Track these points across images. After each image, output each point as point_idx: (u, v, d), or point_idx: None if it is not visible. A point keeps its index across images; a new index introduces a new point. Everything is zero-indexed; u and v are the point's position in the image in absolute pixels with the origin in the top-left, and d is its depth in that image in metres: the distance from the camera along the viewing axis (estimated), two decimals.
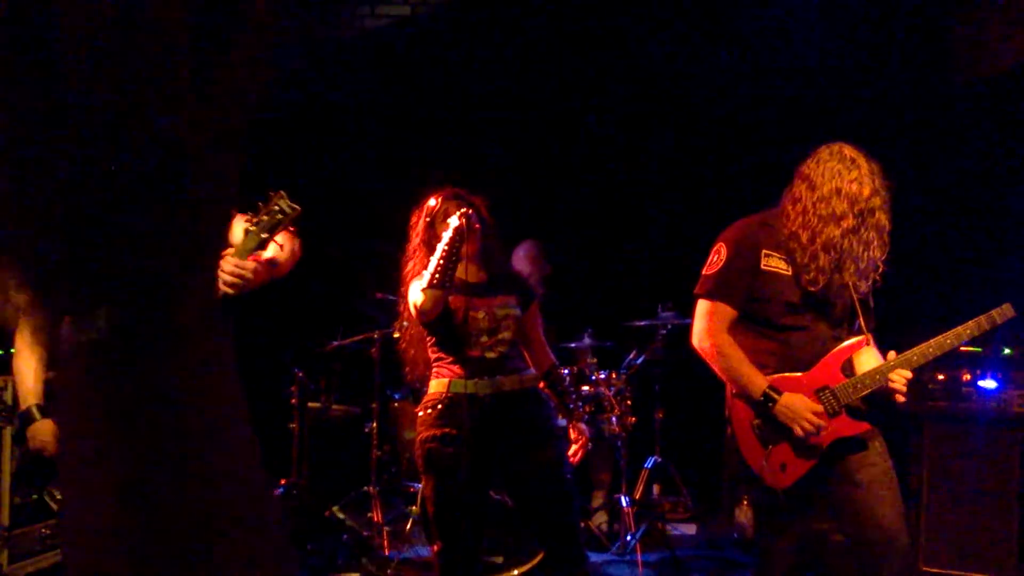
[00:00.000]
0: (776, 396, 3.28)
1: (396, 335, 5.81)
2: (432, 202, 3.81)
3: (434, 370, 3.81)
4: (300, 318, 6.32)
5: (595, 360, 5.86)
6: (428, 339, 3.82)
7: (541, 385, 3.89)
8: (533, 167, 6.94)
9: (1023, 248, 5.77)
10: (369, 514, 5.64)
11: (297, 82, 6.58)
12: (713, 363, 3.43)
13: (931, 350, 3.31)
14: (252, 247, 3.14)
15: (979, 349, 5.13)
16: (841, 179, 3.29)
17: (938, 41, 6.36)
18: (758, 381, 3.32)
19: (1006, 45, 6.02)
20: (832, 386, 3.31)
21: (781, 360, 3.36)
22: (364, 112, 6.82)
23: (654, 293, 6.06)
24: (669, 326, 5.92)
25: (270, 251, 3.35)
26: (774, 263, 3.36)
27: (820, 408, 3.28)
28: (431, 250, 3.67)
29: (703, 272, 3.49)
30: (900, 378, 3.30)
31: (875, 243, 3.31)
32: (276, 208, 3.16)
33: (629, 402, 5.63)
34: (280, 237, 3.25)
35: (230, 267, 3.10)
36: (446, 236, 3.52)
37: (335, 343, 5.95)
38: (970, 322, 3.32)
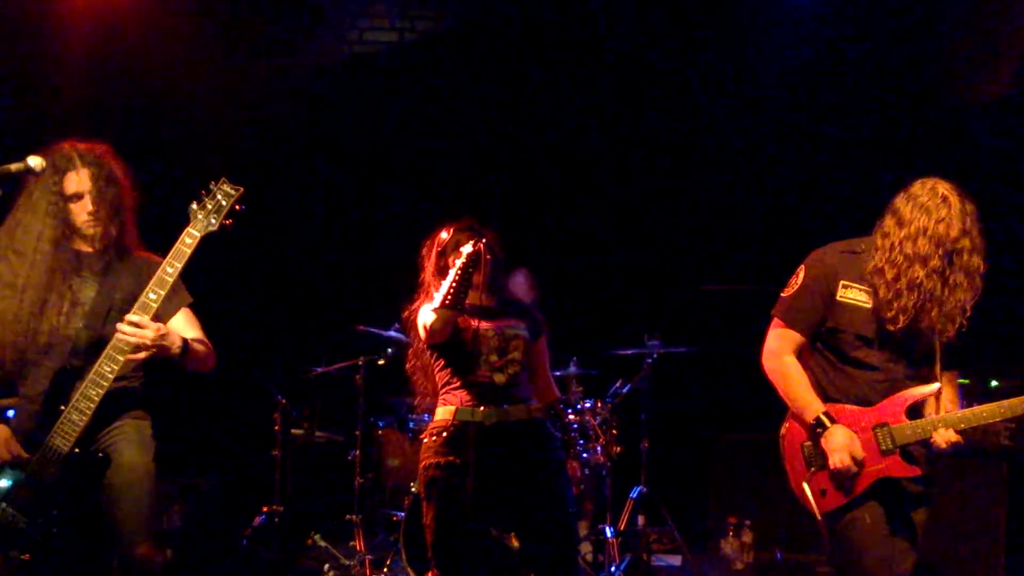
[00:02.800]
0: (828, 424, 3.25)
1: (381, 362, 5.81)
2: (444, 234, 3.82)
3: (441, 397, 3.79)
4: (284, 345, 6.28)
5: (581, 389, 5.82)
6: (436, 363, 3.80)
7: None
8: (519, 194, 6.93)
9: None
10: (351, 542, 5.60)
11: (285, 108, 6.58)
12: (773, 382, 3.43)
13: (984, 415, 3.20)
14: (202, 229, 3.21)
15: (967, 381, 5.12)
16: (929, 218, 3.19)
17: (931, 68, 6.38)
18: (815, 405, 3.30)
19: (995, 74, 6.05)
20: (891, 425, 3.25)
21: (848, 396, 3.33)
22: (351, 138, 6.81)
23: (640, 321, 6.04)
24: (655, 355, 5.89)
25: (192, 333, 3.36)
26: (853, 295, 3.31)
27: (862, 454, 3.23)
28: (441, 280, 3.64)
29: (781, 293, 3.47)
30: (942, 439, 3.20)
31: (964, 285, 3.21)
32: (220, 193, 3.25)
33: (615, 431, 5.58)
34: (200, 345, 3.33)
35: (129, 327, 3.12)
36: (459, 261, 3.48)
37: (319, 370, 5.91)
38: None
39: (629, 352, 5.95)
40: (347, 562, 5.50)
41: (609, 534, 5.58)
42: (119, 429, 3.31)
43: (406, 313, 3.88)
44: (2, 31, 5.87)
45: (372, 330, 5.76)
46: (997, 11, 6.02)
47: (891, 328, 3.24)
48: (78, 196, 3.34)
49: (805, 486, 3.31)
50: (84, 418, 3.17)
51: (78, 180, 3.34)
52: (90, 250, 3.41)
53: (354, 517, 5.62)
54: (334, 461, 6.06)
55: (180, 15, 6.14)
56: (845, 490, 3.26)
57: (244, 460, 6.19)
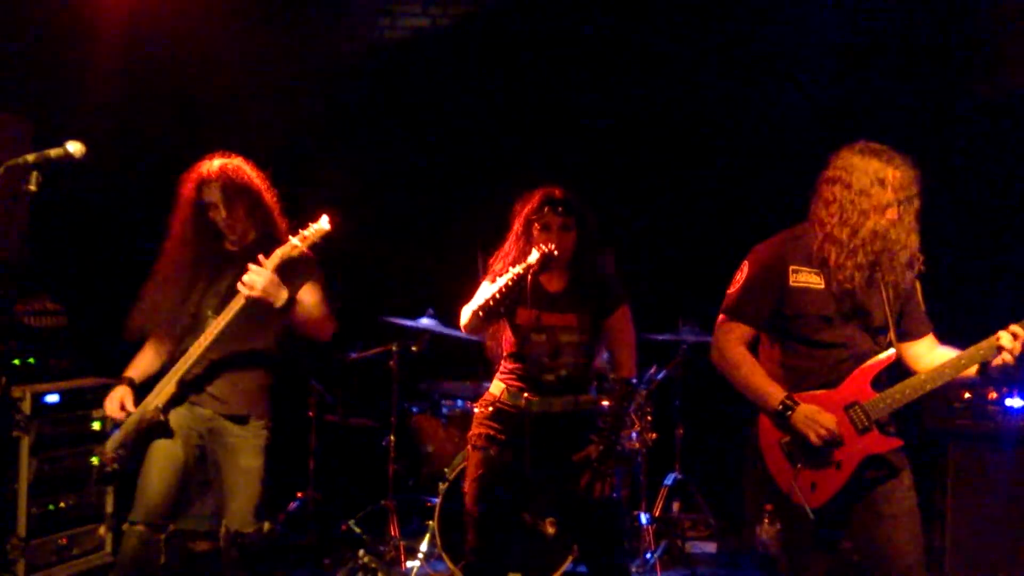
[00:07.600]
0: (794, 405, 3.22)
1: (415, 348, 5.81)
2: (538, 199, 3.85)
3: (499, 368, 3.92)
4: None
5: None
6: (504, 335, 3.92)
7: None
8: (550, 179, 6.88)
9: None
10: (386, 528, 5.63)
11: (316, 95, 6.57)
12: (729, 378, 3.39)
13: (963, 362, 3.18)
14: (287, 253, 3.59)
15: None
16: (884, 169, 3.20)
17: (958, 56, 6.30)
18: (775, 392, 3.26)
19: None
20: (862, 402, 3.23)
21: (813, 381, 3.29)
22: (383, 123, 6.80)
23: (675, 308, 6.00)
24: (690, 341, 5.86)
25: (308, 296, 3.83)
26: (804, 278, 3.29)
27: (833, 418, 3.20)
28: (524, 244, 3.79)
29: (727, 290, 3.44)
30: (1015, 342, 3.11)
31: (916, 230, 3.22)
32: (319, 224, 3.64)
33: (649, 418, 5.56)
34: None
35: (250, 273, 3.57)
36: (514, 270, 3.59)
37: (353, 356, 5.92)
38: None
39: (663, 338, 5.92)
40: (381, 548, 5.53)
41: (644, 521, 5.58)
42: (242, 436, 3.93)
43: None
44: (37, 22, 5.91)
45: (398, 321, 5.77)
46: None
47: (848, 287, 3.22)
48: (213, 205, 3.81)
49: (794, 484, 3.25)
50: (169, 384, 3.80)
51: (210, 191, 3.81)
52: (235, 249, 3.90)
53: (388, 503, 5.65)
54: (368, 447, 6.08)
55: (210, 3, 6.14)
56: (834, 477, 3.21)
57: (279, 446, 6.21)
